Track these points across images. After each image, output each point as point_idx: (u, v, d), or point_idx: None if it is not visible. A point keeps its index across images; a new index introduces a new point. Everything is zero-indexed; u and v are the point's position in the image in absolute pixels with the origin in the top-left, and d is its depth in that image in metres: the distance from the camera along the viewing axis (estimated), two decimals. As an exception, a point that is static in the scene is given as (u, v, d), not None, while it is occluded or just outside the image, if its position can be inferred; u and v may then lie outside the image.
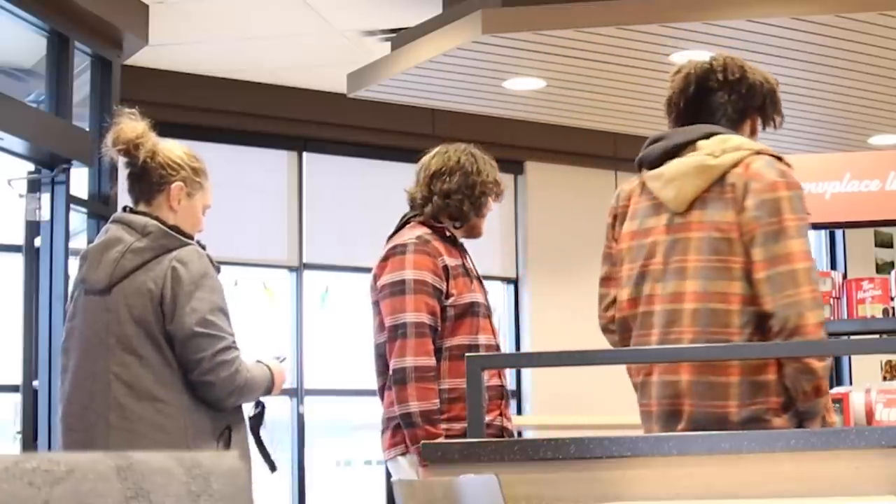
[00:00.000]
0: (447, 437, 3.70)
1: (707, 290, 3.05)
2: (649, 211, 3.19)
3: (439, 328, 3.85)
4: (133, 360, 3.27)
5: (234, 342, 3.33)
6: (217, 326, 3.28)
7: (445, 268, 3.89)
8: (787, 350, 3.13)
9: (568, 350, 3.97)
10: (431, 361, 3.79)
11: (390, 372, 3.83)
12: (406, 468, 3.81)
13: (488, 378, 3.80)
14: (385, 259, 3.94)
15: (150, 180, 3.42)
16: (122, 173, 3.53)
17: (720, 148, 3.15)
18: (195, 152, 3.56)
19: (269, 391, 3.50)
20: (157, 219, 3.39)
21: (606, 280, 3.26)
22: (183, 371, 3.28)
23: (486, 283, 4.19)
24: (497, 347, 4.02)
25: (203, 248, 3.44)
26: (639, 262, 3.15)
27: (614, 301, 3.23)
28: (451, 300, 3.87)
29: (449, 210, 4.00)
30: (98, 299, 3.35)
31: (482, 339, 3.89)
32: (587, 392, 7.79)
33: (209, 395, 3.30)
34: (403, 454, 3.81)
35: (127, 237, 3.35)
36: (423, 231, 3.97)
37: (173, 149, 3.48)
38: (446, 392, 3.83)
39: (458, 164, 4.01)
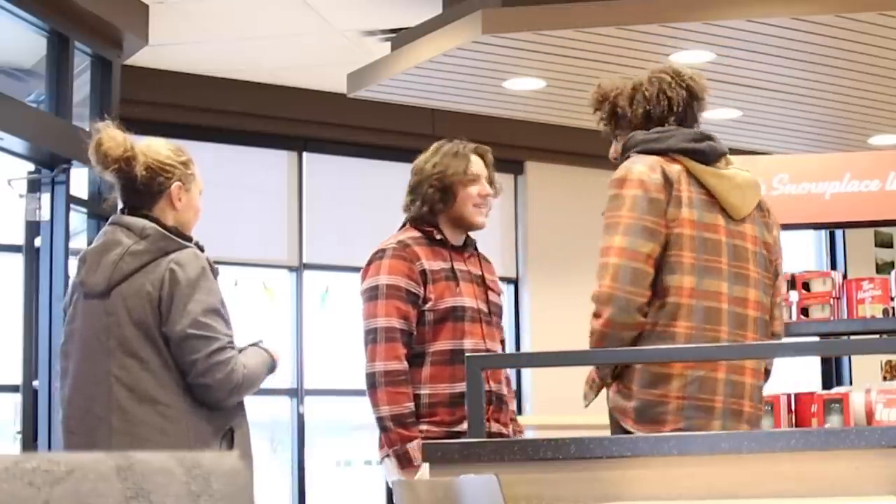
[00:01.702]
0: (425, 439, 3.68)
1: (762, 302, 3.28)
2: (706, 206, 3.24)
3: (414, 332, 3.84)
4: (134, 362, 3.27)
5: (229, 342, 3.32)
6: (210, 328, 3.27)
7: (423, 272, 3.86)
8: (785, 350, 3.14)
9: (568, 350, 3.97)
10: (401, 365, 3.80)
11: (364, 377, 3.86)
12: (391, 469, 3.82)
13: None
14: (368, 264, 3.93)
15: (150, 191, 3.42)
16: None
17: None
18: (175, 143, 3.54)
19: (272, 371, 3.51)
20: (156, 221, 3.39)
21: (650, 258, 3.16)
22: (182, 373, 3.28)
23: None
24: (489, 351, 3.95)
25: (202, 249, 3.44)
26: (703, 255, 3.19)
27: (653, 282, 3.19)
28: (428, 304, 3.85)
29: (422, 211, 3.96)
30: (97, 302, 3.34)
31: (468, 343, 3.84)
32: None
33: (208, 398, 3.29)
34: (388, 456, 3.82)
35: (125, 240, 3.34)
36: (409, 235, 3.95)
37: (159, 150, 3.46)
38: (427, 396, 3.82)
39: (420, 162, 4.02)
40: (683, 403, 3.14)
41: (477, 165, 4.01)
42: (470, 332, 3.88)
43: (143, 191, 3.41)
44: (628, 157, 3.34)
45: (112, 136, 3.41)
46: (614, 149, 3.50)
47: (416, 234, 3.95)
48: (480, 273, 4.01)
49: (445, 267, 3.92)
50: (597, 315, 3.19)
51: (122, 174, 3.41)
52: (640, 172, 3.23)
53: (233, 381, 3.28)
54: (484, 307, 3.95)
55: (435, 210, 3.94)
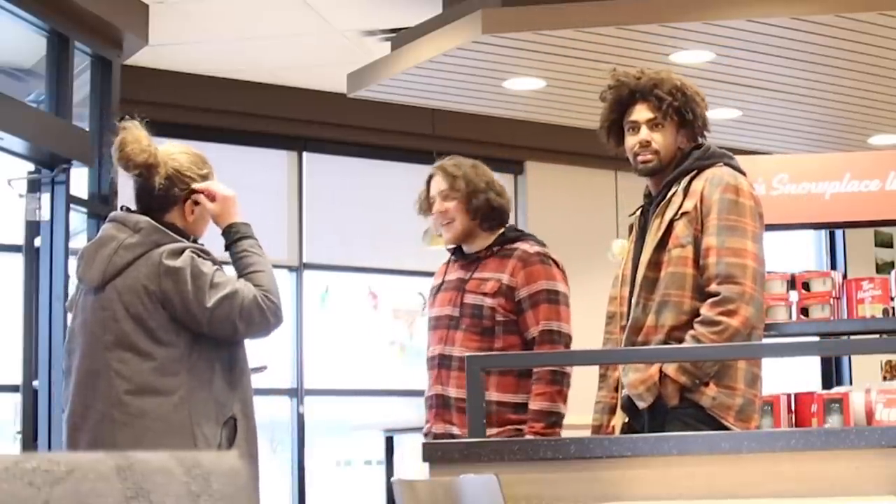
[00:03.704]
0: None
1: None
2: None
3: None
4: (132, 355, 3.28)
5: (240, 284, 3.33)
6: (223, 284, 3.29)
7: (432, 289, 4.21)
8: (785, 350, 3.14)
9: (568, 350, 3.97)
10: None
11: None
12: None
13: (429, 387, 4.03)
14: None
15: (165, 198, 3.44)
16: (128, 180, 3.51)
17: None
18: (197, 152, 3.56)
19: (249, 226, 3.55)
20: (154, 218, 3.40)
21: None
22: (188, 361, 3.28)
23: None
24: (443, 357, 3.98)
25: (202, 245, 3.45)
26: None
27: None
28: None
29: None
30: (94, 298, 3.36)
31: (429, 352, 4.07)
32: (587, 392, 7.78)
33: (270, 333, 3.39)
34: None
35: (120, 234, 3.36)
36: (439, 248, 4.44)
37: (181, 159, 3.47)
38: None
39: None
40: (761, 404, 3.38)
41: (433, 187, 4.15)
42: (432, 340, 4.06)
43: (159, 196, 3.43)
44: (712, 164, 3.46)
45: (137, 138, 3.41)
46: (650, 136, 3.49)
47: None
48: (468, 278, 4.02)
49: (440, 281, 4.15)
50: (732, 312, 3.27)
51: (141, 177, 3.43)
52: (748, 186, 3.43)
53: (270, 309, 3.34)
54: (453, 312, 3.98)
55: None
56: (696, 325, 3.28)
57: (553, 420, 3.87)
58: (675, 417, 3.26)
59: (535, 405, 3.88)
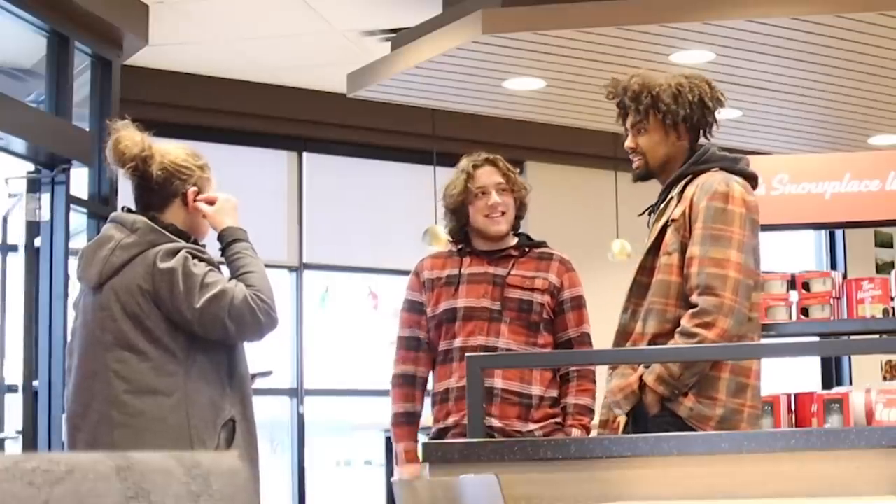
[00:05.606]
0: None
1: None
2: None
3: (422, 337, 4.09)
4: (131, 355, 3.28)
5: (230, 284, 3.31)
6: (214, 284, 3.28)
7: (424, 282, 4.11)
8: (785, 350, 3.14)
9: (568, 350, 3.98)
10: (405, 369, 4.10)
11: None
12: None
13: (458, 379, 3.94)
14: None
15: (164, 192, 3.43)
16: (127, 181, 3.51)
17: None
18: (191, 148, 3.56)
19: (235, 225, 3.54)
20: (153, 218, 3.40)
21: (755, 276, 3.38)
22: (185, 363, 3.28)
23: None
24: (486, 348, 3.96)
25: (203, 246, 3.45)
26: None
27: None
28: (429, 311, 4.07)
29: (449, 228, 4.18)
30: (93, 298, 3.37)
31: (457, 342, 3.99)
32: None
33: (259, 337, 3.34)
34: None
35: (117, 234, 3.37)
36: (440, 248, 4.25)
37: (177, 153, 3.48)
38: (433, 395, 4.06)
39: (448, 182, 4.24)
40: (752, 412, 3.26)
41: (484, 177, 4.08)
42: (462, 330, 3.99)
43: (157, 191, 3.43)
44: (708, 169, 3.41)
45: (129, 135, 3.43)
46: (634, 141, 3.47)
47: (447, 246, 4.22)
48: (505, 273, 4.02)
49: (452, 273, 4.06)
50: (710, 325, 3.22)
51: (138, 173, 3.43)
52: (741, 192, 3.33)
53: (262, 310, 3.31)
54: (493, 305, 3.98)
55: (453, 228, 4.14)
56: (676, 336, 3.27)
57: (593, 415, 3.99)
58: (655, 426, 3.25)
59: (580, 400, 3.98)
